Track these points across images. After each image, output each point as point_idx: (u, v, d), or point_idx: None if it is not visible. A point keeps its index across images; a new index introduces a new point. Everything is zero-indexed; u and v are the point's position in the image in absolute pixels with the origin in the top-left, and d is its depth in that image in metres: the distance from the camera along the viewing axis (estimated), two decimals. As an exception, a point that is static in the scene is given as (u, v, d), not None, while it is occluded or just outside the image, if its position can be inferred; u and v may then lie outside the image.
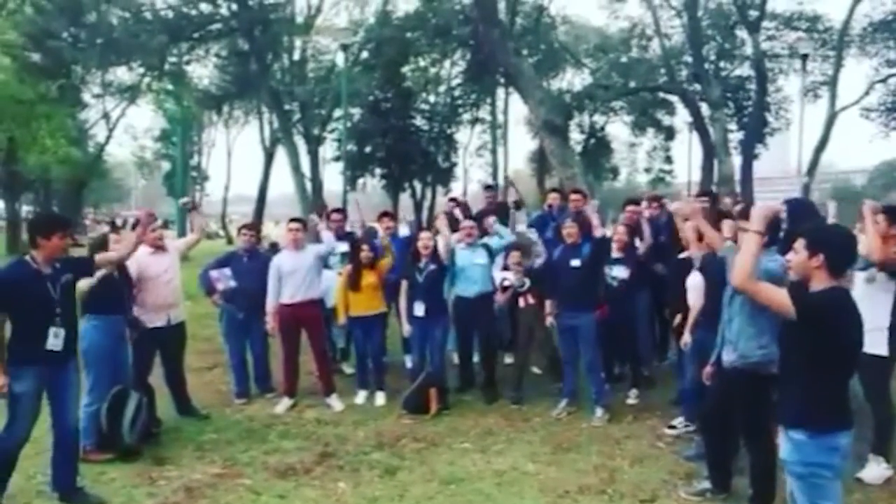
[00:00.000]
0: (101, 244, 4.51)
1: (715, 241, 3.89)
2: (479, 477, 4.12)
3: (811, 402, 2.55)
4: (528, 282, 5.73)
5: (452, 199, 7.87)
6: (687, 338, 4.59)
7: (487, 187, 7.77)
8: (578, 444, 4.66)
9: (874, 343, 3.91)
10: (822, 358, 2.53)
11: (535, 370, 6.31)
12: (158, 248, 5.04)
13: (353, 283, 5.66)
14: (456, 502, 3.78)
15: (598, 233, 5.21)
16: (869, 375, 3.99)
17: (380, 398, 5.71)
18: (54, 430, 3.79)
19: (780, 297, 2.56)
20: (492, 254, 5.87)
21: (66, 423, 3.77)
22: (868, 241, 3.91)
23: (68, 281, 3.73)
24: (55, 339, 3.61)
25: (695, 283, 4.76)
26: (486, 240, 5.98)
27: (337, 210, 6.95)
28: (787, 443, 2.61)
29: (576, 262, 5.19)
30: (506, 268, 5.94)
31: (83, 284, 4.10)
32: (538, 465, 4.30)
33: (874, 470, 4.00)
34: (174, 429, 5.01)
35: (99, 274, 4.19)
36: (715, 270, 3.86)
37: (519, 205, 7.14)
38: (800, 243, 2.64)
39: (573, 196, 6.51)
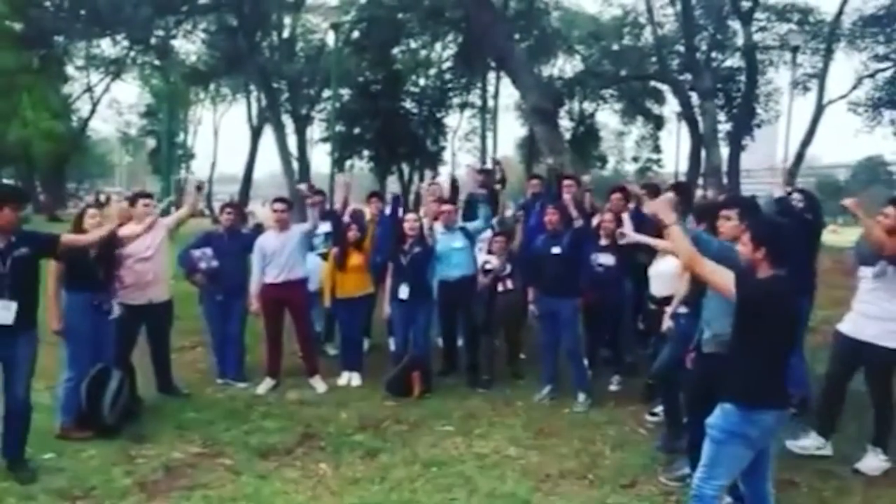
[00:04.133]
0: (80, 218, 4.42)
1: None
2: (461, 460, 4.12)
3: (745, 380, 2.81)
4: (509, 267, 5.73)
5: (434, 184, 7.76)
6: (669, 323, 4.60)
7: (481, 171, 7.67)
8: (560, 429, 4.67)
9: (883, 335, 3.95)
10: (760, 340, 2.79)
11: (521, 356, 6.32)
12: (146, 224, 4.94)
13: (341, 263, 5.62)
14: (437, 485, 3.78)
15: (576, 223, 5.24)
16: (876, 367, 4.05)
17: (355, 379, 5.70)
18: (5, 402, 3.79)
19: (724, 277, 2.86)
20: (470, 236, 5.86)
21: (16, 396, 3.75)
22: (874, 237, 3.90)
23: (23, 255, 3.67)
24: (5, 312, 3.59)
25: (659, 272, 4.77)
26: (462, 223, 5.98)
27: (318, 191, 6.86)
28: (717, 409, 2.87)
29: (556, 250, 5.20)
30: (490, 252, 5.92)
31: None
32: (520, 449, 4.31)
33: (872, 461, 4.04)
34: (154, 407, 4.97)
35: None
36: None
37: (503, 182, 7.00)
38: (746, 236, 2.93)
39: (566, 182, 6.47)
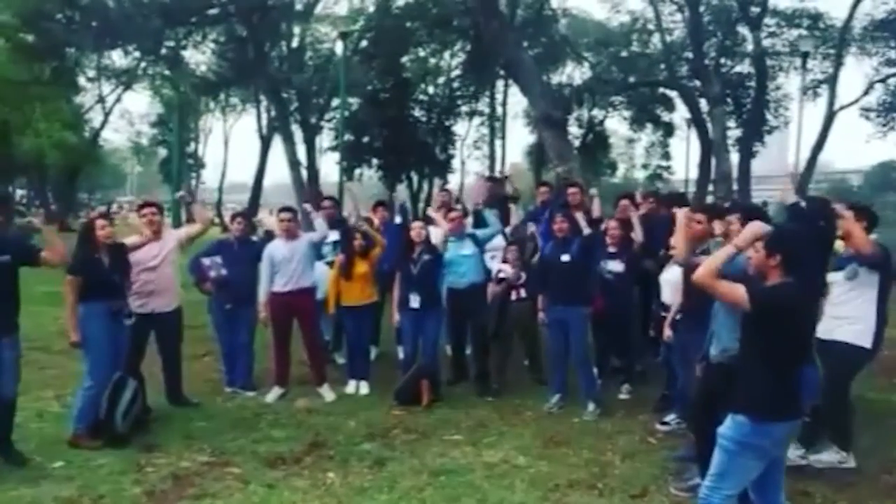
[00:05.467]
0: (88, 229, 4.46)
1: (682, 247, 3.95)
2: (470, 469, 4.10)
3: (758, 391, 2.76)
4: (523, 276, 5.72)
5: (445, 190, 7.81)
6: (668, 332, 4.62)
7: (489, 179, 7.69)
8: (570, 439, 4.64)
9: (858, 336, 4.00)
10: (773, 349, 2.75)
11: (527, 362, 6.30)
12: (154, 234, 4.97)
13: (346, 272, 5.63)
14: (446, 494, 3.76)
15: (585, 231, 5.25)
16: (842, 365, 4.03)
17: (363, 388, 5.69)
18: None
19: (736, 292, 2.79)
20: (479, 243, 5.84)
21: (3, 398, 3.93)
22: (854, 237, 3.96)
23: (6, 262, 3.82)
24: None
25: (670, 279, 4.76)
26: (471, 230, 5.98)
27: (329, 198, 6.89)
28: (729, 420, 2.82)
29: (565, 257, 5.19)
30: (505, 261, 5.92)
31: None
32: (529, 458, 4.28)
33: (830, 455, 4.05)
34: (164, 416, 4.98)
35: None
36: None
37: (514, 198, 7.09)
38: (758, 242, 2.87)
39: (570, 190, 6.45)
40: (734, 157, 19.53)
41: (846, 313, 4.03)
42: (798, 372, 2.89)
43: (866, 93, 20.73)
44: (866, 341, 3.99)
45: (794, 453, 4.14)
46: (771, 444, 2.78)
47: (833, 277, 4.16)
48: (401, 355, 5.97)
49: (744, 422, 2.76)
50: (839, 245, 4.36)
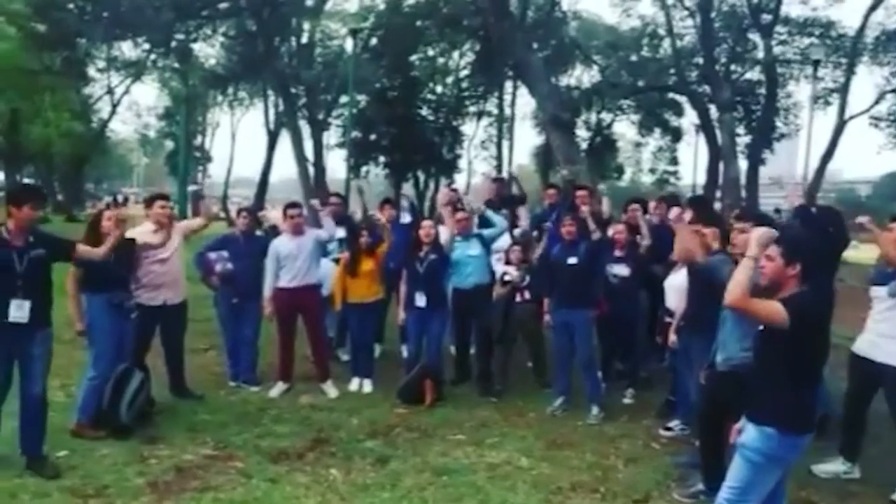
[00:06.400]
0: (96, 221, 4.47)
1: (693, 248, 3.90)
2: (472, 469, 4.09)
3: (790, 404, 2.67)
4: (528, 278, 5.71)
5: (454, 190, 7.79)
6: (673, 338, 4.61)
7: (495, 179, 7.69)
8: (573, 442, 4.63)
9: None
10: (802, 360, 2.65)
11: (530, 364, 6.28)
12: (161, 226, 4.98)
13: (352, 269, 5.63)
14: (448, 494, 3.75)
15: (594, 235, 5.23)
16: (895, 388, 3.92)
17: (367, 385, 5.69)
18: (21, 399, 3.84)
19: (772, 309, 2.62)
20: (486, 243, 5.84)
21: (32, 393, 3.83)
22: (885, 251, 3.88)
23: (39, 256, 3.78)
24: (18, 312, 3.69)
25: (674, 284, 4.75)
26: (478, 230, 5.97)
27: (335, 195, 6.89)
28: (754, 431, 2.70)
29: (573, 260, 5.17)
30: (508, 262, 5.90)
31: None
32: (531, 460, 4.27)
33: (832, 466, 3.99)
34: (167, 408, 4.99)
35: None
36: (701, 276, 3.85)
37: (521, 199, 7.08)
38: (774, 250, 2.69)
39: (579, 192, 6.43)
40: (742, 164, 19.49)
41: (887, 331, 3.91)
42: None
43: (877, 102, 20.67)
44: None
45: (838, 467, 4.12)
46: (795, 456, 2.74)
47: (876, 292, 4.02)
48: (405, 354, 5.98)
49: (773, 434, 2.66)
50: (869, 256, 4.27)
